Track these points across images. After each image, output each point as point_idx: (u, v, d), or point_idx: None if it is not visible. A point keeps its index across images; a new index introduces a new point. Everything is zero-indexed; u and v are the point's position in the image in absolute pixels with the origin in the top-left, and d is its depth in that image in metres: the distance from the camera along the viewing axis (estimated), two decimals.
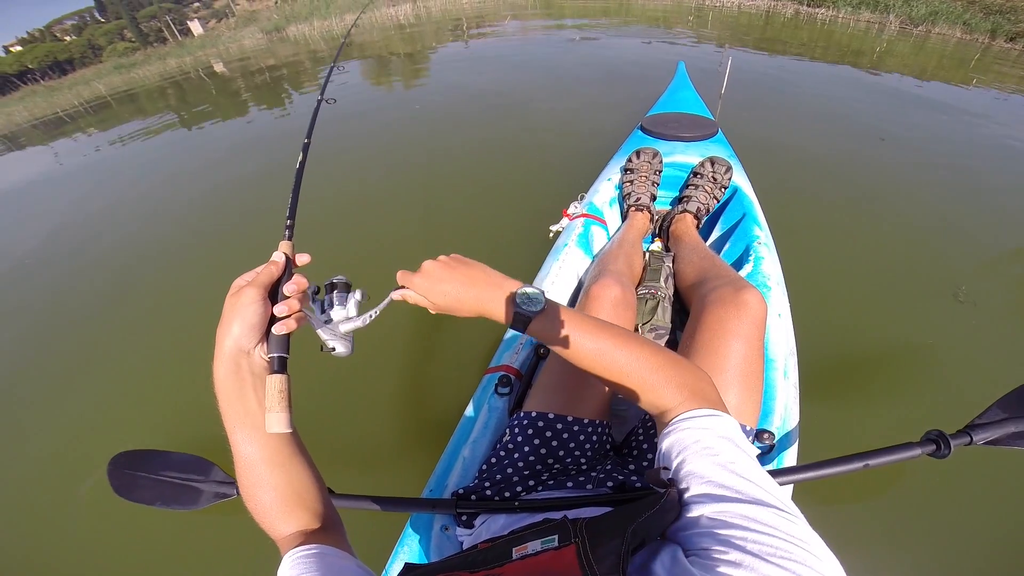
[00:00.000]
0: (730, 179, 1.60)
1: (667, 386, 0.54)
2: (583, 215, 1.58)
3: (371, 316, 0.59)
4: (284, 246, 0.58)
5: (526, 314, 0.58)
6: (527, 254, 2.01)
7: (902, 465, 1.06)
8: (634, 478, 0.84)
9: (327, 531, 0.57)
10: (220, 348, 0.50)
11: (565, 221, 1.59)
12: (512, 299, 0.59)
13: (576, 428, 0.91)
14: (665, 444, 0.50)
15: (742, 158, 1.80)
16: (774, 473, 0.83)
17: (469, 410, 1.13)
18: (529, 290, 0.60)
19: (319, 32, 15.60)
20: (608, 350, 0.57)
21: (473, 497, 0.86)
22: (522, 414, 0.94)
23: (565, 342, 0.57)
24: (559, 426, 0.90)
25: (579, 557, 0.38)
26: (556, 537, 0.43)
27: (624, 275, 1.15)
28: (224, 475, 1.24)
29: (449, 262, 0.62)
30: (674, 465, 0.47)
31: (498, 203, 2.91)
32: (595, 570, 0.36)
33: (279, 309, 0.51)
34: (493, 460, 0.93)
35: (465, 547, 0.84)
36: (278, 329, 0.51)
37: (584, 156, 3.08)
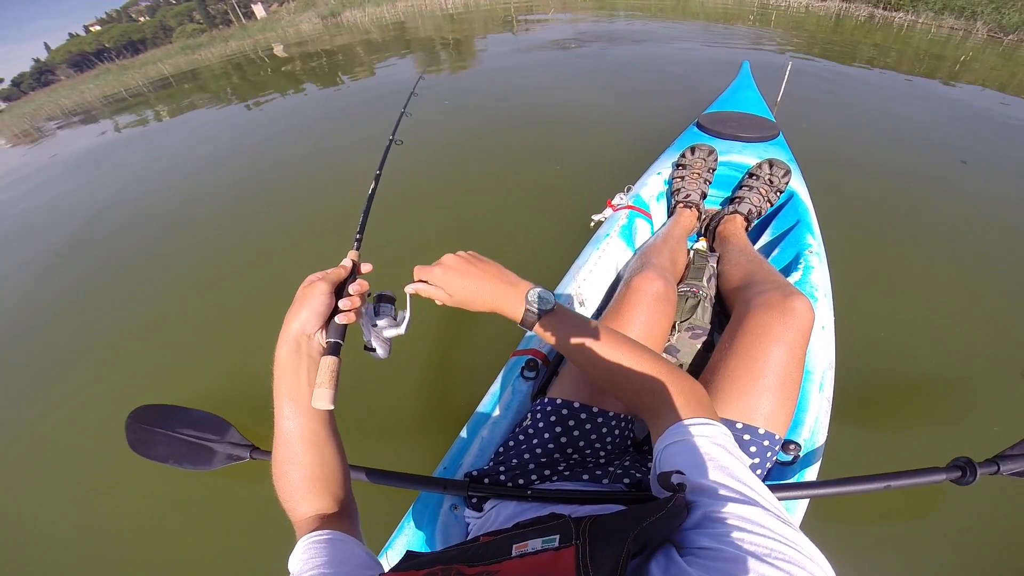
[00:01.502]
0: (787, 183, 1.53)
1: (664, 393, 0.56)
2: (628, 207, 1.54)
3: (406, 320, 0.66)
4: (352, 255, 0.68)
5: (537, 312, 0.63)
6: (565, 242, 1.98)
7: (923, 492, 1.01)
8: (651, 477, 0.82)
9: (342, 517, 0.60)
10: (287, 329, 0.58)
11: (609, 211, 1.55)
12: (523, 298, 0.64)
13: (600, 420, 0.89)
14: (662, 449, 0.52)
15: (802, 165, 1.71)
16: (795, 486, 0.82)
17: (492, 391, 1.12)
18: (541, 291, 0.65)
19: (370, 18, 15.75)
20: (609, 353, 0.60)
21: (486, 480, 0.85)
22: (546, 400, 0.92)
23: (568, 341, 0.62)
24: (583, 416, 0.88)
25: (577, 560, 0.38)
26: (557, 537, 0.42)
27: (667, 270, 1.11)
28: (240, 437, 1.27)
29: (467, 257, 0.68)
30: (674, 468, 0.48)
31: (539, 189, 2.88)
32: (599, 573, 0.35)
33: (344, 303, 0.59)
34: (511, 443, 0.92)
35: (472, 530, 0.84)
36: (340, 319, 0.59)
37: (631, 149, 3.01)
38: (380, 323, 0.65)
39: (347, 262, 0.65)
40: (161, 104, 7.96)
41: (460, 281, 0.65)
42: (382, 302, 0.66)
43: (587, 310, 1.30)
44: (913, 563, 1.16)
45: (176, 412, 1.35)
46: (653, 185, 1.65)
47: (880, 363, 1.58)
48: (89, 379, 2.09)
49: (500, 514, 0.76)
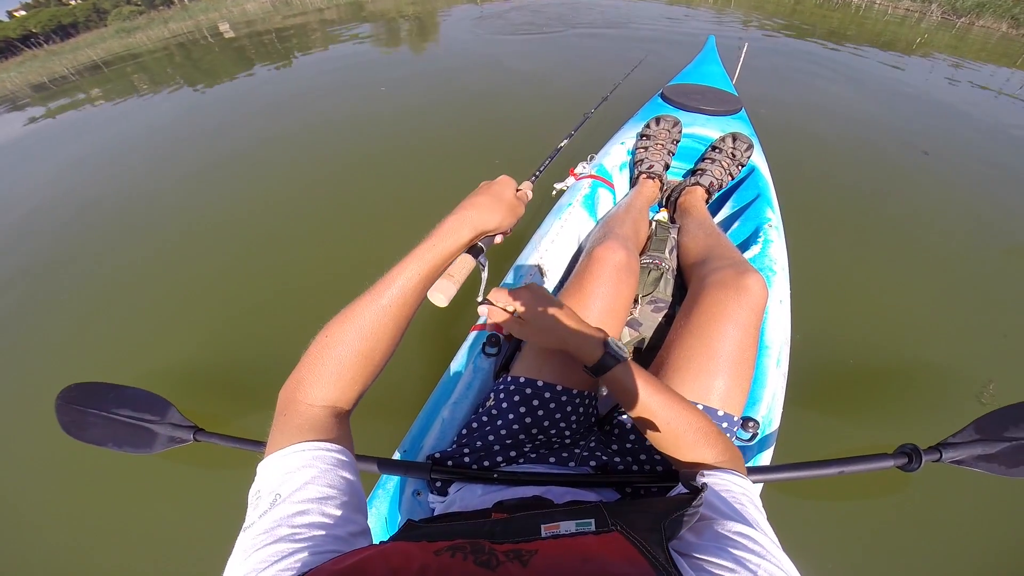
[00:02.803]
0: (749, 157, 1.53)
1: (712, 448, 0.58)
2: (591, 176, 1.51)
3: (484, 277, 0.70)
4: (529, 187, 0.73)
5: (615, 359, 0.63)
6: (527, 209, 1.96)
7: (874, 475, 1.04)
8: (617, 459, 0.82)
9: (342, 420, 0.53)
10: (481, 216, 0.61)
11: (571, 180, 1.52)
12: (602, 344, 0.64)
13: (564, 398, 0.86)
14: (704, 479, 0.54)
15: (763, 140, 1.71)
16: (753, 470, 0.83)
17: (452, 368, 1.08)
18: (617, 341, 0.65)
19: None
20: (668, 408, 0.61)
21: (450, 463, 0.82)
22: (509, 378, 0.89)
23: (634, 393, 0.62)
24: (547, 395, 0.86)
25: (640, 548, 0.37)
26: (593, 521, 0.42)
27: (630, 240, 1.09)
28: (181, 418, 1.18)
29: (545, 292, 0.69)
30: (709, 494, 0.51)
31: (498, 156, 2.84)
32: (659, 560, 0.36)
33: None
34: (474, 425, 0.89)
35: (438, 514, 0.81)
36: (499, 238, 0.66)
37: (593, 118, 2.99)
38: (481, 263, 0.66)
39: (530, 193, 0.71)
40: (95, 90, 7.39)
41: (540, 314, 0.66)
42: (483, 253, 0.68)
43: (550, 280, 1.28)
44: (863, 543, 1.19)
45: (111, 391, 1.24)
46: (616, 155, 1.63)
47: (834, 343, 1.61)
48: (13, 358, 1.96)
49: (466, 498, 0.74)
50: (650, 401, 0.61)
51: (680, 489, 0.55)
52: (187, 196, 3.08)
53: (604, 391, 1.05)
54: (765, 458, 0.94)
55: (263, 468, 0.44)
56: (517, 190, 0.68)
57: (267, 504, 0.40)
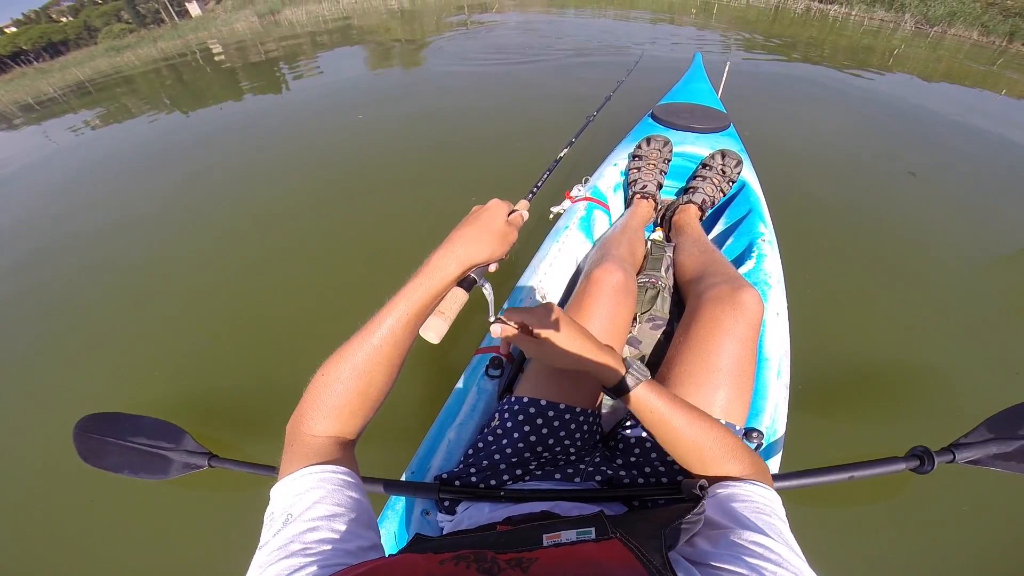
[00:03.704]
0: (739, 173, 1.57)
1: (739, 462, 0.58)
2: (586, 198, 1.54)
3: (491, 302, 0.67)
4: (526, 205, 0.70)
5: (638, 378, 0.63)
6: (524, 233, 1.98)
7: (883, 479, 1.05)
8: (622, 473, 0.83)
9: (352, 458, 0.56)
10: (469, 250, 0.58)
11: (567, 203, 1.55)
12: (624, 364, 0.64)
13: (567, 416, 0.88)
14: (722, 491, 0.54)
15: (752, 155, 1.75)
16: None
17: (456, 389, 1.10)
18: (637, 361, 0.65)
19: (309, 17, 15.09)
20: (694, 426, 0.60)
21: (457, 483, 0.84)
22: (513, 399, 0.91)
23: (658, 413, 0.61)
24: (551, 413, 0.88)
25: (635, 552, 0.38)
26: (593, 530, 0.43)
27: (627, 261, 1.11)
28: (195, 444, 1.21)
29: (560, 311, 0.67)
30: (726, 504, 0.52)
31: (496, 182, 2.86)
32: (655, 565, 0.36)
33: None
34: (480, 445, 0.90)
35: (447, 533, 0.82)
36: (493, 266, 0.63)
37: (586, 141, 3.01)
38: (486, 289, 0.64)
39: (525, 213, 0.68)
40: (84, 110, 7.40)
41: (557, 335, 0.64)
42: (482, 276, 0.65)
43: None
44: (876, 548, 1.20)
45: (126, 420, 1.28)
46: (610, 176, 1.66)
47: (834, 351, 1.64)
48: (31, 389, 1.96)
49: (474, 516, 0.75)
50: (674, 419, 0.61)
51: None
52: (194, 222, 3.09)
53: (606, 408, 1.06)
54: (772, 467, 0.95)
55: (275, 492, 0.47)
56: (512, 212, 0.66)
57: (280, 524, 0.43)
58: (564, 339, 0.64)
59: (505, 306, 1.27)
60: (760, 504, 0.51)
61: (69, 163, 4.76)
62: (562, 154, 1.01)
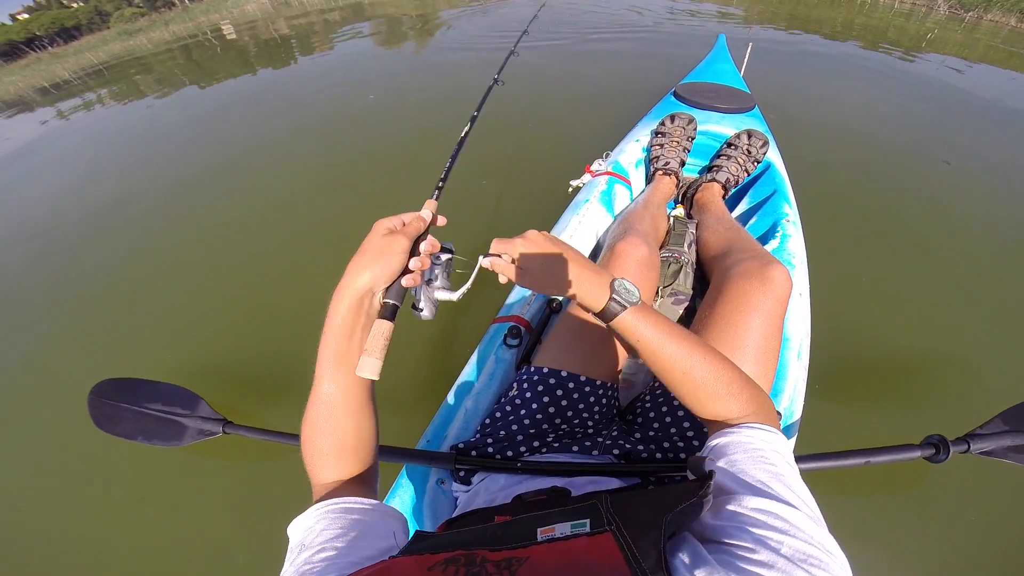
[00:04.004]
0: (765, 154, 1.54)
1: (736, 399, 0.54)
2: (607, 173, 1.52)
3: (463, 291, 0.60)
4: (431, 205, 0.61)
5: (622, 304, 0.57)
6: (541, 207, 1.98)
7: (898, 467, 1.08)
8: (640, 447, 0.82)
9: (363, 483, 0.57)
10: (352, 282, 0.52)
11: (587, 177, 1.53)
12: (610, 286, 0.58)
13: (587, 389, 0.88)
14: (720, 441, 0.51)
15: (777, 136, 1.71)
16: None
17: (474, 359, 1.10)
18: (627, 282, 0.58)
19: None
20: (687, 356, 0.55)
21: (473, 453, 0.83)
22: (532, 369, 0.91)
23: (651, 341, 0.56)
24: (571, 385, 0.87)
25: (623, 551, 0.36)
26: (588, 522, 0.41)
27: (650, 235, 1.10)
28: (210, 411, 1.21)
29: (551, 236, 0.62)
30: (725, 460, 0.48)
31: (513, 155, 2.84)
32: (643, 567, 0.34)
33: (414, 263, 0.54)
34: (497, 415, 0.90)
35: (460, 503, 0.82)
36: (406, 281, 0.53)
37: (605, 117, 2.99)
38: (436, 282, 0.59)
39: (426, 213, 0.59)
40: (100, 89, 7.43)
41: (542, 258, 0.59)
42: (440, 261, 0.60)
43: None
44: (888, 535, 1.19)
45: (141, 386, 1.28)
46: (631, 152, 1.64)
47: (853, 336, 1.61)
48: (47, 355, 1.99)
49: (490, 487, 0.75)
50: (665, 348, 0.56)
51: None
52: (211, 192, 3.12)
53: (623, 382, 1.06)
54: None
55: (291, 530, 0.50)
56: (402, 225, 0.56)
57: (295, 554, 0.46)
58: (548, 262, 0.59)
59: None
60: (763, 450, 0.48)
61: (87, 140, 4.81)
62: (464, 131, 0.94)
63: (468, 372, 1.08)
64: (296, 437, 0.99)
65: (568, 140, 2.85)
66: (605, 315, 0.58)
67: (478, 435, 0.89)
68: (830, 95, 3.56)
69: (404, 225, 0.55)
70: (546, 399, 0.87)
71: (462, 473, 0.83)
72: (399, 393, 1.49)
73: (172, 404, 1.23)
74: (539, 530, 0.41)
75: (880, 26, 6.15)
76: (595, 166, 1.55)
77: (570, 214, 1.40)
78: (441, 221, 0.62)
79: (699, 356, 0.56)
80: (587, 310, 0.60)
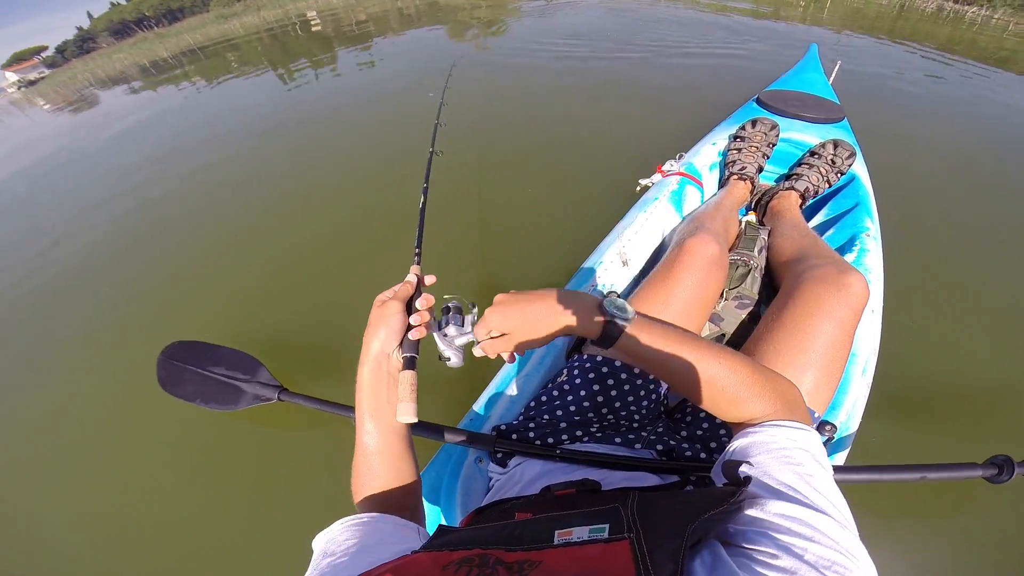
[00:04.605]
0: (850, 166, 1.46)
1: (760, 398, 0.51)
2: (680, 173, 1.49)
3: (471, 322, 0.67)
4: (415, 269, 0.69)
5: (619, 324, 0.55)
6: (600, 204, 2.01)
7: (950, 488, 1.06)
8: (684, 445, 0.81)
9: (404, 512, 0.60)
10: (367, 350, 0.60)
11: (658, 177, 1.51)
12: (599, 309, 0.56)
13: (639, 382, 0.86)
14: (744, 441, 0.48)
15: (866, 152, 1.62)
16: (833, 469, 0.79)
17: None
18: (615, 299, 0.57)
19: None
20: (701, 362, 0.52)
21: (514, 436, 0.83)
22: (586, 356, 0.89)
23: (656, 354, 0.54)
24: (623, 376, 0.86)
25: (635, 560, 0.34)
26: (607, 527, 0.39)
27: (721, 236, 1.07)
28: (269, 377, 1.25)
29: (515, 292, 0.62)
30: (747, 463, 0.45)
31: (580, 156, 2.82)
32: None
33: (414, 319, 0.60)
34: (543, 399, 0.89)
35: (494, 485, 0.82)
36: (413, 335, 0.60)
37: (678, 120, 2.94)
38: (450, 332, 0.66)
39: (411, 277, 0.66)
40: (197, 75, 8.00)
41: (519, 314, 0.58)
42: (449, 312, 0.67)
43: (630, 270, 1.28)
44: (928, 557, 1.13)
45: (209, 350, 1.34)
46: (706, 155, 1.60)
47: (923, 360, 1.51)
48: (122, 317, 2.14)
49: (526, 472, 0.75)
50: (683, 360, 0.53)
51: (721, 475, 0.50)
52: (287, 168, 3.27)
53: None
54: (838, 460, 0.92)
55: (316, 543, 0.53)
56: (393, 293, 0.63)
57: (319, 559, 0.49)
58: (530, 314, 0.58)
59: (581, 267, 1.25)
60: (787, 449, 0.45)
61: (177, 117, 5.23)
62: (421, 202, 0.94)
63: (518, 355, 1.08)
64: (347, 408, 1.05)
65: (634, 142, 2.82)
66: (605, 338, 0.55)
67: (521, 417, 0.89)
68: (928, 118, 3.30)
69: (395, 293, 0.63)
70: (596, 387, 0.86)
71: (499, 455, 0.82)
72: (446, 371, 1.49)
73: (234, 368, 1.27)
74: (556, 532, 0.40)
75: (991, 49, 5.65)
76: (667, 166, 1.52)
77: (637, 210, 1.38)
78: (429, 279, 0.67)
79: (714, 360, 0.52)
80: (589, 339, 0.58)
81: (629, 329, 0.54)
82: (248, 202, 2.97)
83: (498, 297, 0.61)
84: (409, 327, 0.60)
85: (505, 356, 0.62)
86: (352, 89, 4.98)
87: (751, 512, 0.39)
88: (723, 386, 0.51)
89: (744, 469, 0.44)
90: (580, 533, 0.39)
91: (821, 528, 0.36)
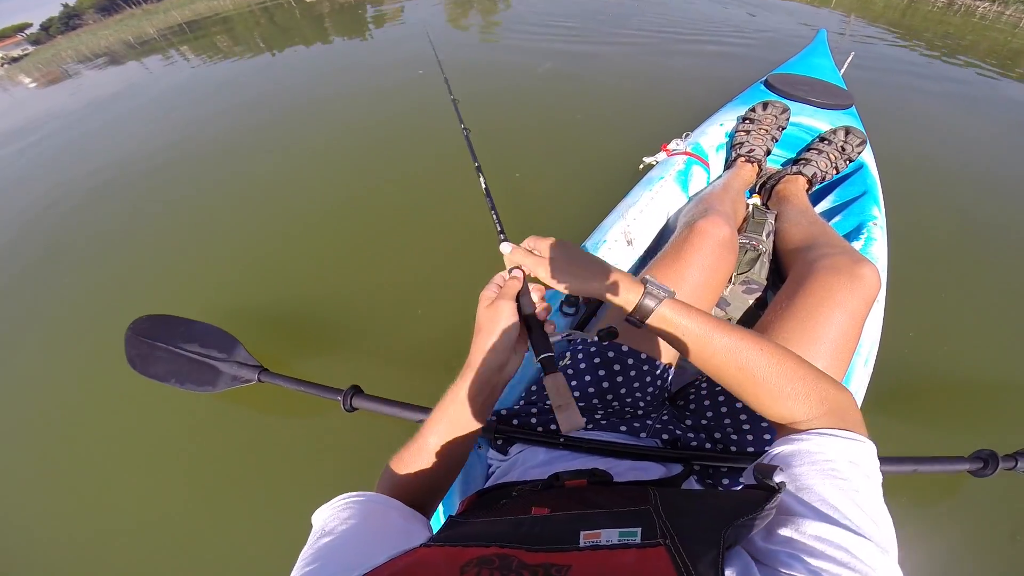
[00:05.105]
0: (860, 153, 1.43)
1: (806, 398, 0.47)
2: (686, 153, 1.46)
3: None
4: (511, 257, 0.60)
5: (657, 296, 0.52)
6: (604, 182, 1.96)
7: (936, 480, 1.09)
8: (690, 435, 0.79)
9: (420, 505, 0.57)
10: (478, 364, 0.54)
11: (662, 155, 1.47)
12: (641, 281, 0.54)
13: (646, 367, 0.84)
14: (788, 448, 0.45)
15: (872, 139, 1.59)
16: None
17: None
18: (657, 281, 0.54)
19: None
20: (742, 349, 0.49)
21: (515, 422, 0.80)
22: (590, 340, 0.86)
23: (695, 333, 0.51)
24: (629, 361, 0.83)
25: (678, 571, 0.32)
26: (639, 532, 0.37)
27: (731, 218, 1.04)
28: (248, 356, 1.16)
29: (570, 245, 0.60)
30: (788, 473, 0.43)
31: (581, 132, 2.76)
32: None
33: (540, 313, 0.57)
34: None
35: (494, 472, 0.79)
36: (549, 328, 0.56)
37: (680, 99, 2.90)
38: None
39: (517, 272, 0.59)
40: (186, 48, 7.79)
41: (564, 250, 0.58)
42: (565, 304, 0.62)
43: (635, 250, 1.25)
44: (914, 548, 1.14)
45: (181, 324, 1.25)
46: (713, 135, 1.56)
47: (923, 351, 1.51)
48: (89, 291, 2.06)
49: (528, 460, 0.72)
50: (716, 340, 0.50)
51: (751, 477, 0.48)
52: (274, 141, 3.21)
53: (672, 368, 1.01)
54: None
55: (316, 517, 0.50)
56: (498, 289, 0.58)
57: (316, 537, 0.46)
58: (576, 259, 0.57)
59: (584, 245, 1.22)
60: (834, 461, 0.41)
61: (164, 94, 5.10)
62: (483, 184, 0.90)
63: None
64: (331, 390, 1.00)
65: (637, 119, 2.77)
66: (640, 310, 0.53)
67: (522, 402, 0.86)
68: (935, 112, 3.22)
69: (501, 288, 0.57)
70: (602, 372, 0.83)
71: (500, 442, 0.79)
72: (441, 350, 1.47)
73: (209, 346, 1.19)
74: (582, 533, 0.37)
75: (1001, 45, 5.57)
76: (672, 145, 1.49)
77: (642, 189, 1.35)
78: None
79: (755, 348, 0.49)
80: (621, 310, 0.55)
81: (668, 303, 0.52)
82: (226, 176, 2.90)
83: (555, 239, 0.59)
84: (530, 327, 0.55)
85: (521, 272, 0.59)
86: (333, 65, 4.93)
87: (786, 532, 0.37)
88: (764, 376, 0.48)
89: (784, 479, 0.42)
90: (609, 536, 0.37)
91: (859, 554, 0.33)
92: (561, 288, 0.57)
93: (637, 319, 0.54)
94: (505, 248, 0.60)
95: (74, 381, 1.64)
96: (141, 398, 1.47)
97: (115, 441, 1.44)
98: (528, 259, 0.58)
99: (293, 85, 4.47)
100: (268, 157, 3.03)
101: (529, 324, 0.56)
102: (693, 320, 0.51)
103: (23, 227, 2.66)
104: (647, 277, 0.54)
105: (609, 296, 0.54)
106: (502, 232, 0.74)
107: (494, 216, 0.80)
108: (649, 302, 0.52)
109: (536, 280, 0.60)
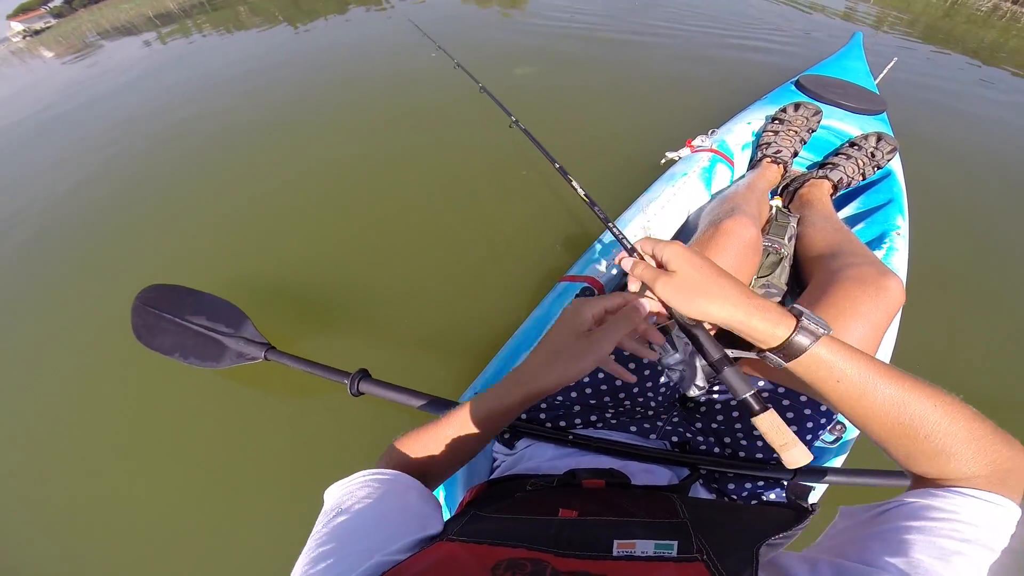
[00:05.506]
0: (889, 161, 1.41)
1: (971, 461, 0.40)
2: (711, 150, 1.43)
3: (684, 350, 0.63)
4: (637, 270, 0.54)
5: (814, 333, 0.44)
6: (626, 175, 1.92)
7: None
8: (700, 439, 0.78)
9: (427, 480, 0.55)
10: (535, 382, 0.50)
11: (686, 151, 1.44)
12: (791, 311, 0.46)
13: (660, 368, 0.82)
14: (916, 502, 0.40)
15: (901, 149, 1.54)
16: (831, 472, 0.79)
17: (535, 315, 1.04)
18: (811, 313, 0.46)
19: None
20: (910, 402, 0.42)
21: (523, 416, 0.79)
22: None
23: (851, 382, 0.43)
24: (645, 360, 0.81)
25: None
26: (675, 545, 0.36)
27: (757, 219, 1.02)
28: (255, 332, 1.13)
29: (696, 252, 0.51)
30: (900, 524, 0.38)
31: (600, 124, 2.71)
32: None
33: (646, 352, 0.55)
34: None
35: (500, 466, 0.79)
36: (652, 356, 0.56)
37: (703, 97, 2.83)
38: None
39: (644, 305, 0.52)
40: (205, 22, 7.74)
41: (701, 265, 0.49)
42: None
43: None
44: None
45: (190, 295, 1.21)
46: (740, 133, 1.54)
47: (936, 365, 1.49)
48: (98, 260, 2.05)
49: (535, 456, 0.72)
50: (881, 390, 0.43)
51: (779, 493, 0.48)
52: (285, 119, 3.16)
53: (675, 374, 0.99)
54: (838, 463, 0.93)
55: (329, 494, 0.48)
56: (605, 314, 0.52)
57: (330, 516, 0.44)
58: (702, 270, 0.49)
59: (602, 238, 1.20)
60: (960, 526, 0.36)
61: (179, 67, 5.06)
62: (582, 191, 0.90)
63: (528, 327, 1.02)
64: (339, 373, 0.98)
65: (656, 115, 2.72)
66: (790, 348, 0.45)
67: None
68: (976, 122, 3.11)
69: (607, 313, 0.52)
70: None
71: (506, 436, 0.78)
72: (449, 339, 1.44)
73: (217, 320, 1.15)
74: (616, 542, 0.36)
75: None
76: (697, 141, 1.46)
77: (664, 184, 1.33)
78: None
79: (928, 402, 0.42)
80: (755, 342, 0.48)
81: (824, 342, 0.44)
82: (240, 146, 2.88)
83: (681, 244, 0.52)
84: (716, 370, 0.50)
85: (635, 286, 0.54)
86: (355, 43, 4.81)
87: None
88: (929, 434, 0.41)
89: (887, 527, 0.38)
90: (645, 547, 0.36)
91: None
92: (683, 311, 0.49)
93: (781, 357, 0.46)
94: (627, 264, 0.54)
95: (77, 355, 1.62)
96: (143, 375, 1.45)
97: (116, 417, 1.42)
98: (649, 273, 0.51)
99: (314, 60, 4.43)
100: (285, 124, 3.02)
101: (715, 367, 0.49)
102: (855, 365, 0.43)
103: (38, 202, 2.65)
104: (801, 308, 0.46)
105: (748, 328, 0.46)
106: (624, 239, 0.68)
107: (615, 229, 0.75)
108: (803, 339, 0.44)
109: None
